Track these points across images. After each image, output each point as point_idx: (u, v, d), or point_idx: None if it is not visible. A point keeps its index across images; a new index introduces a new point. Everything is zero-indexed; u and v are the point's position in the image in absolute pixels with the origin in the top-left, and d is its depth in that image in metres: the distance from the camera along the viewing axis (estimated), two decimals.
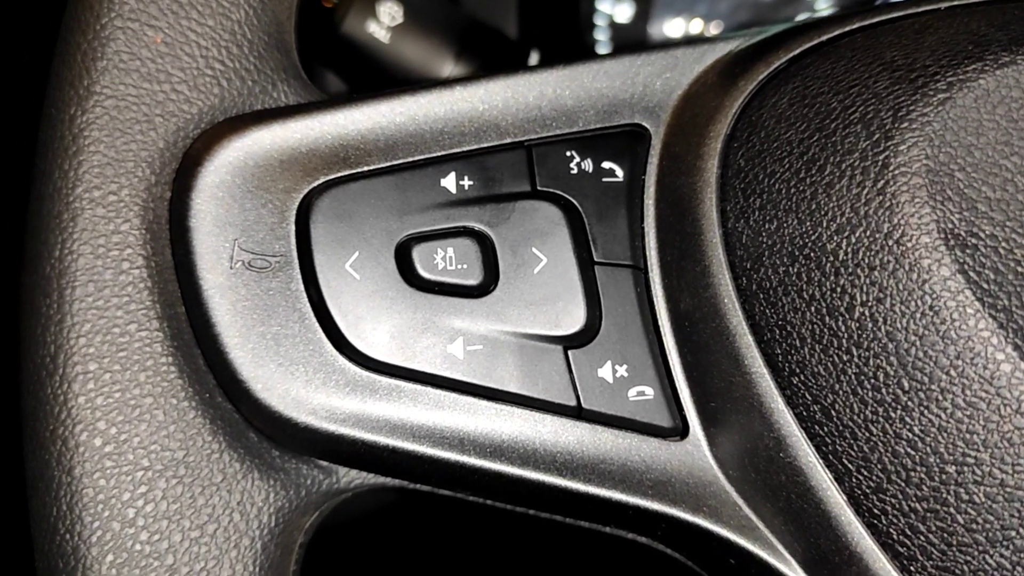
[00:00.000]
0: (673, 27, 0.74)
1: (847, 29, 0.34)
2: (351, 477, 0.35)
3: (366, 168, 0.34)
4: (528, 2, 0.72)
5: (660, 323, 0.34)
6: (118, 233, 0.32)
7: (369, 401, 0.32)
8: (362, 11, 0.52)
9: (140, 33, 0.34)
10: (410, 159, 0.34)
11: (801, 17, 0.72)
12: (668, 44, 0.36)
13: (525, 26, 0.73)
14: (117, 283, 0.32)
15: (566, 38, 0.74)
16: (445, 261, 0.33)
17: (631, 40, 0.74)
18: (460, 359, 0.33)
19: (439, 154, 0.34)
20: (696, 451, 0.33)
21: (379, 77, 0.52)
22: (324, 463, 0.34)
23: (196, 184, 0.32)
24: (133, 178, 0.33)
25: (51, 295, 0.32)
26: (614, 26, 0.74)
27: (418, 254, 0.33)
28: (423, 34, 0.52)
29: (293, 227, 0.33)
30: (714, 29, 0.74)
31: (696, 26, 0.74)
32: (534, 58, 0.58)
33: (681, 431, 0.33)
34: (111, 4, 0.33)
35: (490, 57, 0.54)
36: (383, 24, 0.52)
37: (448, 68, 0.53)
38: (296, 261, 0.33)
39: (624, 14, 0.74)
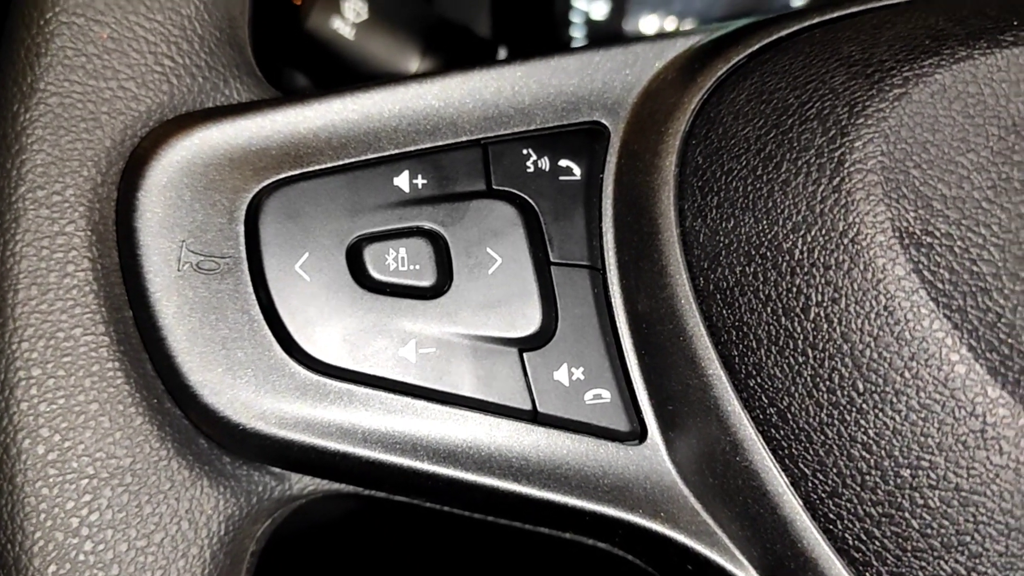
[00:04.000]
0: (648, 23, 0.73)
1: (806, 24, 0.33)
2: (304, 483, 0.34)
3: (318, 167, 0.33)
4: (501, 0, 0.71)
5: (618, 324, 0.33)
6: (63, 234, 0.32)
7: (319, 406, 0.31)
8: (326, 7, 0.51)
9: (86, 29, 0.33)
10: (363, 157, 0.33)
11: (776, 13, 0.71)
12: (628, 39, 0.36)
13: (498, 23, 0.73)
14: (62, 286, 0.31)
15: (541, 35, 0.74)
16: (397, 262, 0.32)
17: (607, 37, 0.73)
18: (412, 362, 0.32)
19: (393, 152, 0.33)
20: (654, 455, 0.33)
21: (344, 74, 0.52)
22: (276, 469, 0.34)
23: (143, 184, 0.32)
24: (78, 178, 0.32)
25: None
26: (590, 23, 0.73)
27: (370, 255, 0.32)
28: (388, 31, 0.52)
29: (242, 228, 0.32)
30: (688, 26, 0.74)
31: (671, 23, 0.74)
32: (502, 55, 0.57)
33: (639, 435, 0.33)
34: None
35: (457, 54, 0.53)
36: (348, 20, 0.51)
37: (414, 65, 0.52)
38: (245, 263, 0.32)
39: (600, 11, 0.73)
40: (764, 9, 0.71)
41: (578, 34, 0.73)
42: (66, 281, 0.31)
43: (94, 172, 0.32)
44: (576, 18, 0.73)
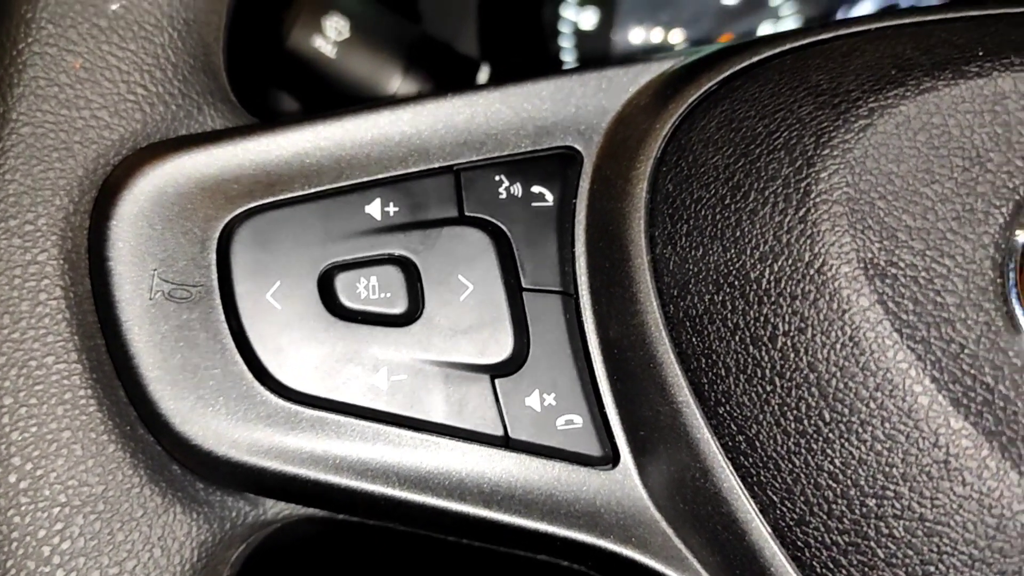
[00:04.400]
0: (637, 35, 0.73)
1: (778, 51, 0.33)
2: (278, 508, 0.34)
3: (289, 195, 0.33)
4: (488, 11, 0.71)
5: (590, 350, 0.33)
6: (35, 264, 0.32)
7: (291, 433, 0.32)
8: (308, 26, 0.51)
9: (58, 58, 0.33)
10: (335, 185, 0.33)
11: (765, 25, 0.71)
12: (603, 64, 0.36)
13: (485, 34, 0.73)
14: (34, 314, 0.32)
15: (528, 47, 0.74)
16: (368, 290, 0.32)
17: (596, 48, 0.73)
18: (384, 390, 0.32)
19: (364, 180, 0.33)
20: (626, 480, 0.33)
21: (327, 93, 0.52)
22: (250, 495, 0.34)
23: (115, 213, 0.32)
24: (51, 207, 0.32)
25: None
26: (579, 34, 0.74)
27: (341, 283, 0.32)
28: (370, 49, 0.52)
29: (214, 256, 0.32)
30: (677, 37, 0.74)
31: (659, 34, 0.74)
32: (484, 73, 0.57)
33: (611, 459, 0.33)
34: (28, 29, 0.33)
35: (439, 72, 0.53)
36: (329, 39, 0.51)
37: (396, 83, 0.52)
38: (217, 291, 0.32)
39: (588, 22, 0.73)
40: (752, 21, 0.71)
41: (566, 45, 0.73)
42: (38, 310, 0.32)
43: (66, 201, 0.32)
44: (564, 28, 0.73)
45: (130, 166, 0.32)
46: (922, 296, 0.27)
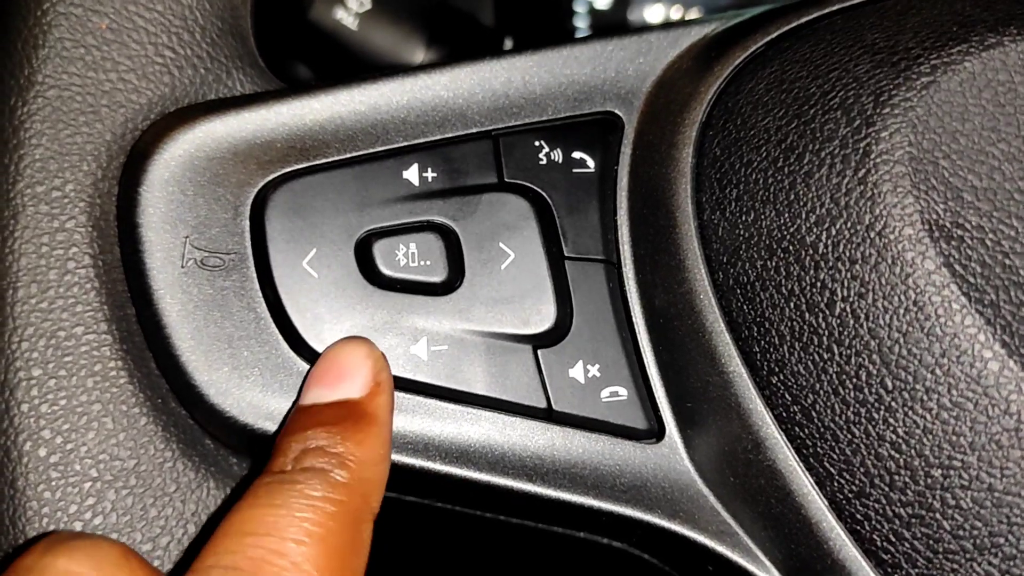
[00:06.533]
0: (653, 13, 0.72)
1: (827, 11, 0.32)
2: None
3: (324, 160, 0.32)
4: None
5: (634, 320, 0.32)
6: (63, 231, 0.31)
7: None
8: None
9: (84, 19, 0.32)
10: (371, 150, 0.32)
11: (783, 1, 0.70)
12: (642, 28, 0.35)
13: (502, 12, 0.72)
14: (62, 283, 0.31)
15: (545, 25, 0.73)
16: (407, 257, 0.31)
17: (612, 26, 0.72)
18: (424, 360, 0.31)
19: (401, 145, 0.32)
20: (672, 454, 0.32)
21: (348, 65, 0.51)
22: None
23: (145, 178, 0.31)
24: (78, 172, 0.31)
25: None
26: (594, 12, 0.73)
27: (379, 250, 0.31)
28: (392, 20, 0.51)
29: (248, 223, 0.31)
30: (693, 15, 0.73)
31: (676, 12, 0.73)
32: (508, 44, 0.56)
33: (656, 433, 0.32)
34: None
35: (462, 43, 0.52)
36: (351, 10, 0.50)
37: (419, 55, 0.51)
38: (251, 259, 0.31)
39: (604, 0, 0.72)
40: None
41: (582, 24, 0.72)
42: (67, 278, 0.31)
43: (94, 167, 0.31)
44: (580, 7, 0.72)
45: (160, 131, 0.31)
46: (990, 259, 0.26)
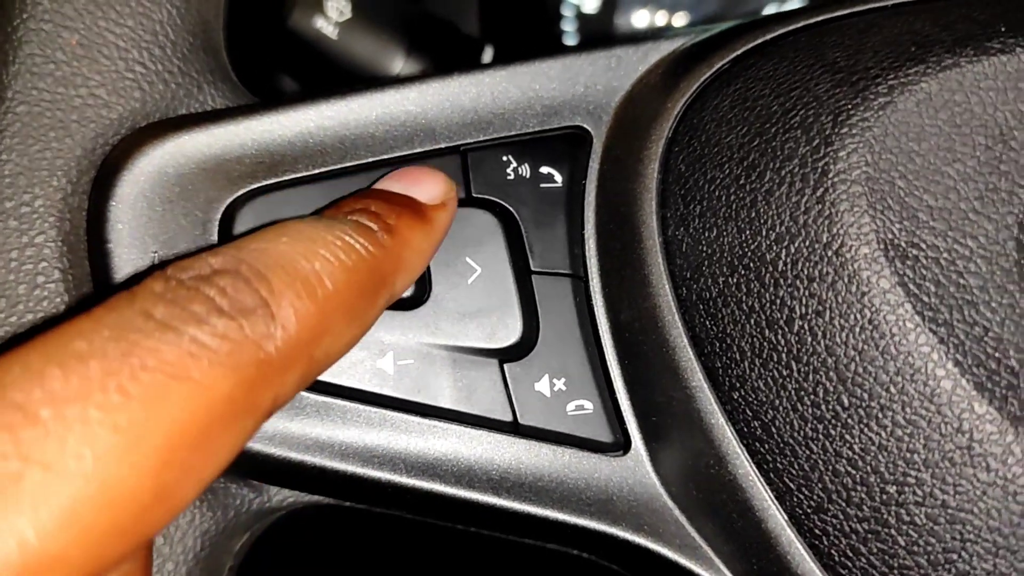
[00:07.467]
0: (640, 17, 0.72)
1: (791, 28, 0.33)
2: (283, 495, 0.34)
3: (293, 176, 0.32)
4: None
5: (600, 335, 0.33)
6: (32, 246, 0.31)
7: (296, 419, 0.31)
8: (309, 6, 0.50)
9: (54, 35, 0.32)
10: (339, 166, 0.32)
11: (769, 7, 0.71)
12: (611, 42, 0.35)
13: (487, 17, 0.72)
14: (31, 298, 0.31)
15: (530, 30, 0.73)
16: None
17: (598, 31, 0.72)
18: (391, 374, 0.32)
19: (370, 160, 0.33)
20: (638, 467, 0.32)
21: (328, 74, 0.51)
22: (253, 482, 0.33)
23: (114, 194, 0.31)
24: (48, 187, 0.31)
25: None
26: (581, 17, 0.73)
27: None
28: (372, 29, 0.51)
29: (216, 238, 0.31)
30: (680, 20, 0.73)
31: (662, 17, 0.73)
32: (488, 54, 0.56)
33: (623, 446, 0.32)
34: (23, 5, 0.32)
35: (442, 52, 0.52)
36: (331, 20, 0.50)
37: (399, 64, 0.51)
38: None
39: (591, 5, 0.72)
40: (755, 3, 0.70)
41: (569, 28, 0.72)
42: (36, 293, 0.31)
43: (64, 182, 0.31)
44: (567, 12, 0.72)
45: (129, 146, 0.31)
46: (944, 278, 0.27)
